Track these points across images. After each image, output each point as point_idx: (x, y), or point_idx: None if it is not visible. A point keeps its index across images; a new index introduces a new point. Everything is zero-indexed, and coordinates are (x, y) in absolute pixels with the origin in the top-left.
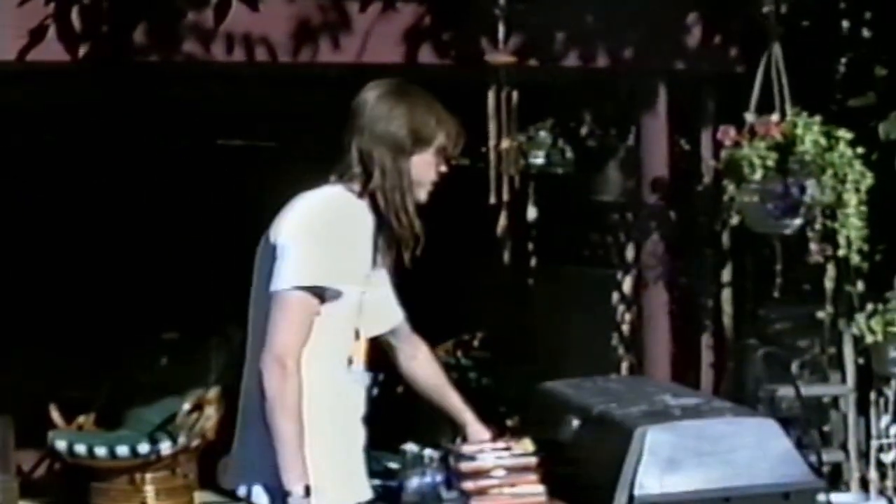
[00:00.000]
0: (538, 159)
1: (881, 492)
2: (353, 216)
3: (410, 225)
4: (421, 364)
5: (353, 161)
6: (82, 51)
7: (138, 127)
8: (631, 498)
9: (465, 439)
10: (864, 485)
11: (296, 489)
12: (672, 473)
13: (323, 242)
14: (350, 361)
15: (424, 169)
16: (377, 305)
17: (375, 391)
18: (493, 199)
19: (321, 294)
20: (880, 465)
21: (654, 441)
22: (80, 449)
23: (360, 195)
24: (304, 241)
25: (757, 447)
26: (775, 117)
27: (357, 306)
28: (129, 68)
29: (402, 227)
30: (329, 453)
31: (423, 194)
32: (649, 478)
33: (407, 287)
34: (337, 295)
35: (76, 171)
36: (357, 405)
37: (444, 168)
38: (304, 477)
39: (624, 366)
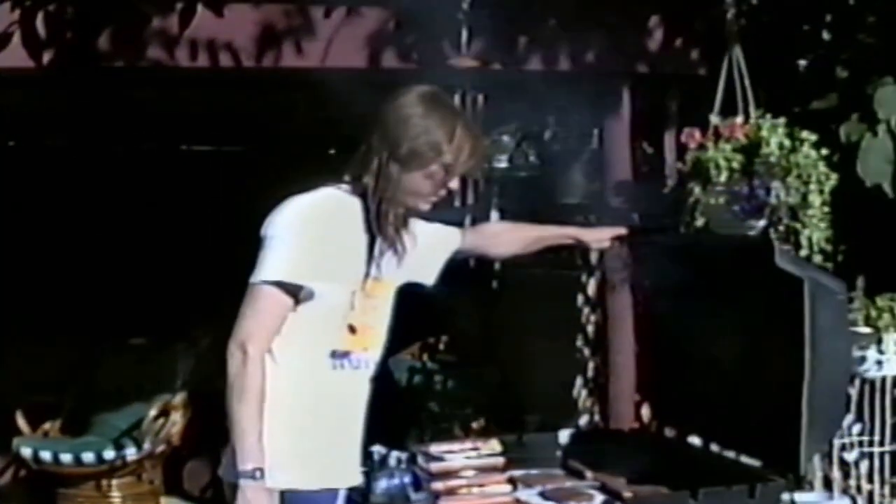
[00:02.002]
0: (501, 163)
1: (844, 491)
2: (342, 216)
3: (387, 233)
4: (504, 241)
5: (358, 157)
6: (47, 57)
7: (104, 132)
8: None
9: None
10: (828, 484)
11: (247, 469)
12: None
13: (304, 241)
14: (335, 354)
15: (422, 182)
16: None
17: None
18: (457, 203)
19: (294, 292)
20: (843, 464)
21: None
22: (46, 455)
23: (354, 193)
24: (285, 237)
25: None
26: (739, 119)
27: (345, 305)
28: (94, 74)
29: (380, 232)
30: (292, 436)
31: (421, 205)
32: None
33: None
34: (310, 295)
35: (41, 177)
36: (341, 395)
37: (453, 185)
38: (258, 459)
39: (589, 367)
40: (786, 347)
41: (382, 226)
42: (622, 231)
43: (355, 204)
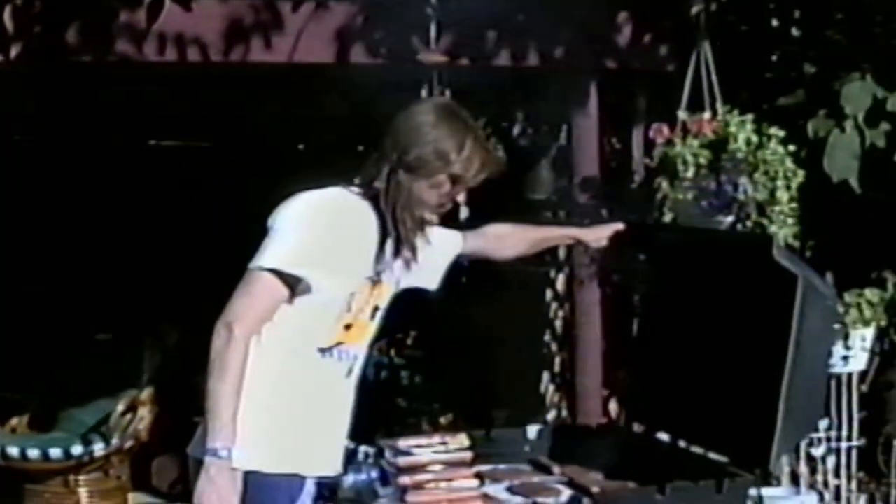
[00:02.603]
0: None
1: (811, 486)
2: (350, 216)
3: (409, 238)
4: (509, 243)
5: (370, 163)
6: (14, 51)
7: (71, 127)
8: None
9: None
10: (795, 479)
11: (215, 446)
12: None
13: (308, 233)
14: (324, 350)
15: (427, 192)
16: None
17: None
18: None
19: (291, 282)
20: (810, 460)
21: None
22: (13, 451)
23: (364, 196)
24: (289, 228)
25: None
26: (707, 115)
27: (342, 304)
28: (62, 68)
29: (400, 237)
30: (262, 416)
31: (427, 214)
32: None
33: None
34: (307, 288)
35: (7, 173)
36: (320, 384)
37: (460, 197)
38: (228, 439)
39: (556, 362)
40: (768, 345)
41: (402, 230)
42: (620, 227)
43: (365, 206)
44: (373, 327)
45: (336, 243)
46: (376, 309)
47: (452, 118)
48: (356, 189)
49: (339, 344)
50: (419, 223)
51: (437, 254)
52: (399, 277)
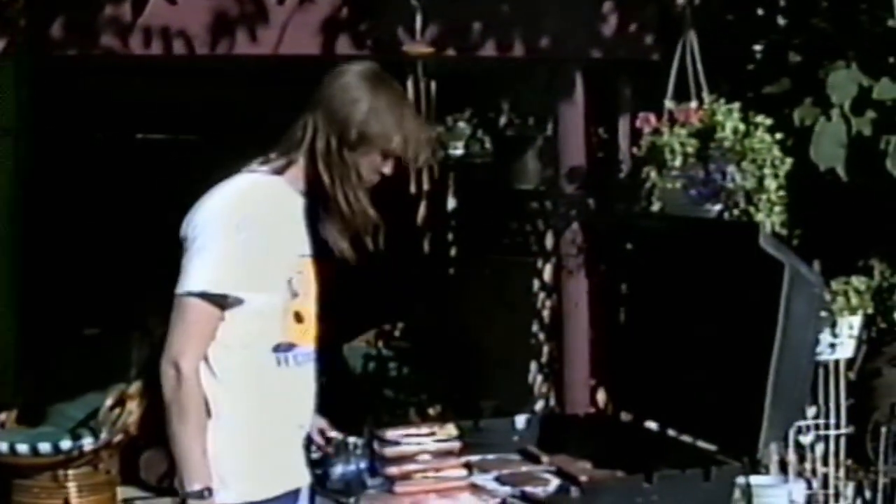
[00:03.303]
0: (457, 150)
1: (799, 474)
2: (269, 205)
3: (364, 213)
4: None
5: (300, 135)
6: (0, 45)
7: (57, 121)
8: None
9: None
10: (783, 467)
11: (195, 490)
12: None
13: (229, 245)
14: (279, 347)
15: (363, 167)
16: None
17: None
18: (413, 189)
19: (220, 302)
20: (799, 447)
21: None
22: (2, 446)
23: (278, 172)
24: (208, 242)
25: None
26: (694, 104)
27: (285, 297)
28: (46, 62)
29: (354, 216)
30: (241, 448)
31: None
32: None
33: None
34: (238, 301)
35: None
36: (286, 392)
37: (387, 170)
38: (205, 478)
39: (544, 351)
40: (755, 332)
41: (354, 206)
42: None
43: (279, 185)
44: (314, 318)
45: (262, 242)
46: (314, 293)
47: (387, 89)
48: (266, 168)
49: (292, 346)
50: (355, 196)
51: None
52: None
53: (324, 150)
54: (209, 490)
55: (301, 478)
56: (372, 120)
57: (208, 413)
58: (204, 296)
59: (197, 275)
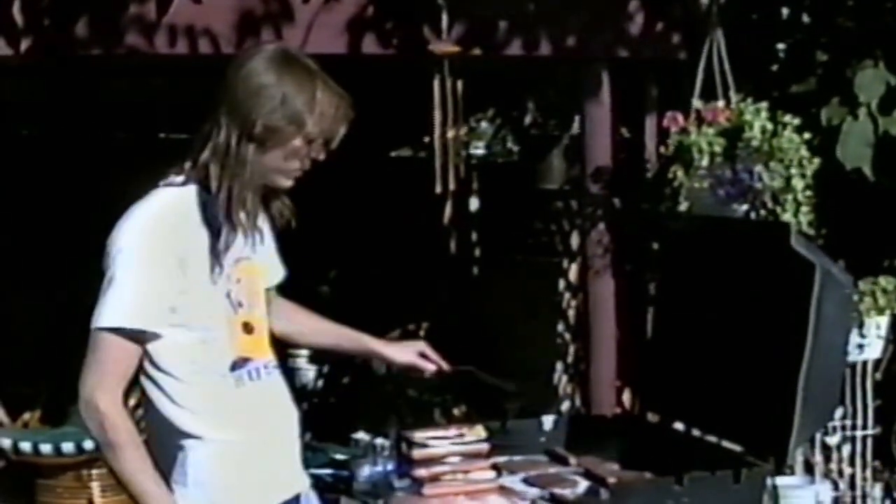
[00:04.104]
0: (479, 150)
1: (826, 475)
2: (186, 224)
3: (238, 220)
4: (292, 321)
5: (201, 137)
6: (24, 45)
7: (81, 120)
8: None
9: (375, 356)
10: (809, 468)
11: None
12: None
13: (145, 278)
14: (234, 366)
15: (283, 160)
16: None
17: (319, 382)
18: (438, 189)
19: (138, 337)
20: (825, 448)
21: None
22: (26, 446)
23: (191, 182)
24: (125, 274)
25: None
26: (721, 104)
27: (229, 313)
28: (71, 61)
29: (228, 220)
30: (219, 469)
31: (283, 181)
32: None
33: (352, 277)
34: (155, 336)
35: (15, 166)
36: (255, 409)
37: (319, 155)
38: (170, 499)
39: (570, 352)
40: (786, 334)
41: (233, 212)
42: (424, 349)
43: (195, 196)
44: (264, 323)
45: (175, 273)
46: (258, 298)
47: (295, 70)
48: (179, 179)
49: (247, 360)
50: (257, 200)
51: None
52: (262, 253)
53: (223, 149)
54: None
55: (293, 486)
56: (278, 109)
57: (180, 437)
58: (119, 331)
59: (112, 308)
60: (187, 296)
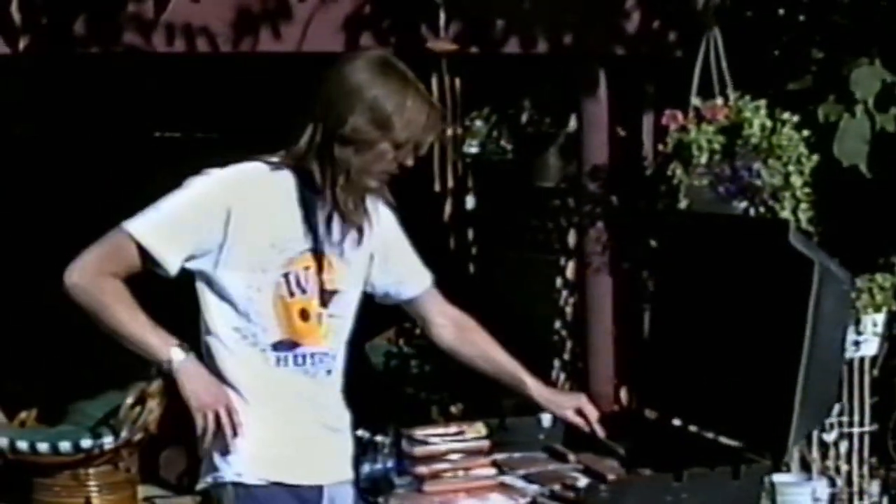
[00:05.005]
0: (472, 148)
1: (822, 472)
2: (261, 189)
3: (349, 219)
4: (467, 338)
5: (298, 129)
6: (23, 43)
7: (78, 119)
8: None
9: (531, 402)
10: (805, 465)
11: (164, 358)
12: None
13: (184, 209)
14: (281, 345)
15: (369, 162)
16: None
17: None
18: (437, 187)
19: (145, 253)
20: (822, 445)
21: None
22: (23, 445)
23: (282, 166)
24: (173, 199)
25: None
26: (720, 101)
27: (281, 291)
28: (69, 60)
29: (344, 212)
30: (252, 432)
31: (371, 183)
32: None
33: None
34: (159, 265)
35: (13, 165)
36: (288, 389)
37: (408, 161)
38: (167, 342)
39: (567, 348)
40: (784, 330)
41: (345, 211)
42: (586, 405)
43: (284, 175)
44: (332, 319)
45: (217, 222)
46: (326, 292)
47: (390, 76)
48: (275, 158)
49: (295, 344)
50: (362, 198)
51: (387, 267)
52: (355, 254)
53: (317, 148)
54: (179, 345)
55: (315, 476)
56: (367, 112)
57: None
58: (131, 238)
59: (140, 219)
60: (227, 252)
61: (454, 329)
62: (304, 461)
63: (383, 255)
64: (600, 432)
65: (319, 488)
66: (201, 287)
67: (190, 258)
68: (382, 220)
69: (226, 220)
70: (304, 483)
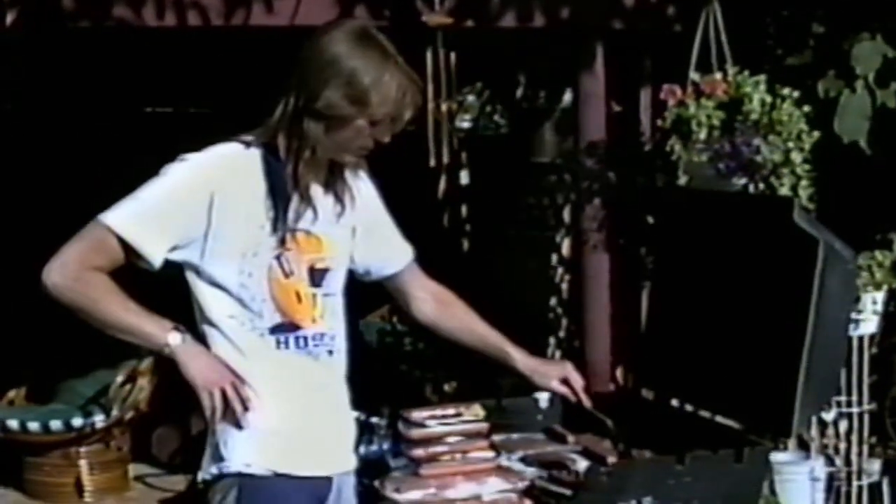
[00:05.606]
0: (465, 123)
1: (821, 450)
2: (240, 175)
3: (306, 197)
4: (444, 312)
5: (273, 104)
6: (10, 18)
7: (68, 94)
8: None
9: (516, 375)
10: (802, 444)
11: (163, 340)
12: None
13: (165, 199)
14: (280, 328)
15: (345, 138)
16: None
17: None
18: (432, 163)
19: (127, 246)
20: (820, 423)
21: None
22: (13, 424)
23: (256, 145)
24: (152, 187)
25: None
26: (719, 76)
27: (275, 274)
28: (59, 34)
29: (301, 190)
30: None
31: (347, 158)
32: None
33: None
34: (141, 258)
35: (3, 141)
36: (289, 372)
37: (385, 138)
38: (163, 325)
39: (563, 326)
40: (788, 309)
41: (301, 189)
42: (573, 375)
43: (256, 158)
44: (326, 298)
45: (199, 208)
46: (316, 271)
47: (369, 48)
48: (247, 139)
49: (295, 327)
50: (340, 172)
51: (370, 245)
52: (335, 229)
53: (288, 121)
54: (176, 327)
55: (323, 466)
56: (343, 86)
57: None
58: (110, 231)
59: (118, 210)
60: (214, 239)
61: (435, 303)
62: (313, 450)
63: (365, 230)
64: (586, 402)
65: (328, 479)
66: (191, 277)
67: (174, 248)
68: (363, 194)
69: (209, 206)
70: (314, 475)
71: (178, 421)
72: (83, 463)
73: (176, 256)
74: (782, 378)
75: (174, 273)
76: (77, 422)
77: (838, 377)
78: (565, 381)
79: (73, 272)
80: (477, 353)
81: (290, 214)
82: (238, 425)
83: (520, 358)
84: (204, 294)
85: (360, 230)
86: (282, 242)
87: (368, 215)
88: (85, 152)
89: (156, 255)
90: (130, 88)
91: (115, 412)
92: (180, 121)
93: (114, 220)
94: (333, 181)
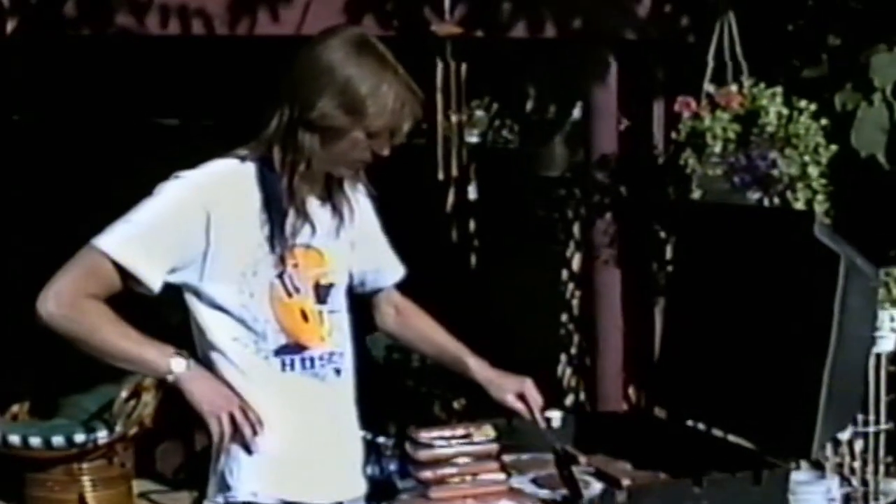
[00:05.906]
0: (473, 137)
1: (838, 470)
2: (237, 192)
3: (302, 211)
4: (405, 323)
5: (268, 115)
6: (11, 25)
7: (69, 103)
8: None
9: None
10: (817, 463)
11: (165, 369)
12: None
13: (160, 220)
14: (285, 349)
15: (341, 152)
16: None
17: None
18: (441, 176)
19: (123, 271)
20: (835, 443)
21: None
22: (14, 439)
23: (252, 160)
24: (146, 209)
25: None
26: (734, 88)
27: (278, 293)
28: (60, 43)
29: (297, 204)
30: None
31: (344, 171)
32: None
33: None
34: (139, 282)
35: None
36: (296, 395)
37: (385, 151)
38: (165, 351)
39: (574, 343)
40: (809, 327)
41: (297, 203)
42: (529, 388)
43: (251, 173)
44: (332, 315)
45: (197, 228)
46: (322, 287)
47: (366, 54)
48: (242, 153)
49: (301, 347)
50: (339, 185)
51: (368, 260)
52: (335, 243)
53: (283, 133)
54: (179, 353)
55: (333, 493)
56: (338, 96)
57: None
58: (105, 256)
59: (112, 233)
60: (213, 260)
61: (395, 314)
62: (321, 477)
63: (363, 244)
64: (541, 423)
65: None
66: (191, 299)
67: (172, 271)
68: (362, 207)
69: (206, 225)
70: (323, 503)
71: (181, 437)
72: (86, 479)
73: (174, 279)
74: (803, 398)
75: (173, 296)
76: (79, 437)
77: (860, 397)
78: (521, 397)
79: (68, 300)
80: (437, 362)
81: (287, 230)
82: (248, 450)
83: (477, 368)
84: (204, 317)
85: (358, 244)
86: (281, 259)
87: (365, 229)
88: (86, 162)
89: (154, 280)
90: (134, 98)
91: (118, 428)
92: (184, 132)
93: (108, 245)
94: (332, 194)
